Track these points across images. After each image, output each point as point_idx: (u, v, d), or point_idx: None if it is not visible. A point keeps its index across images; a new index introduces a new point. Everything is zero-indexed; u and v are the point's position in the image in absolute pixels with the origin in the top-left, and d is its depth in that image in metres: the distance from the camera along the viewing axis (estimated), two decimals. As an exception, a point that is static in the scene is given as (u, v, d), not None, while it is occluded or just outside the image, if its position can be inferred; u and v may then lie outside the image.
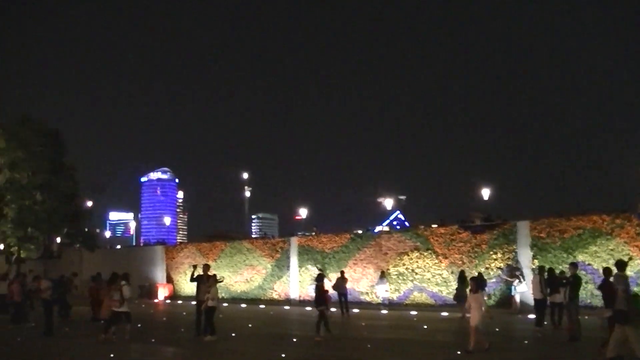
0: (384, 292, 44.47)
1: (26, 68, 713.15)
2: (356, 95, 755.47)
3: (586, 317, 26.01)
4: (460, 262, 41.75)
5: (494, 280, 40.00)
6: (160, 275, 61.05)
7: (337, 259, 48.54)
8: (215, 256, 56.58)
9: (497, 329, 27.65)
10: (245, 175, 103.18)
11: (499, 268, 40.01)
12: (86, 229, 73.30)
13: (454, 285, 39.67)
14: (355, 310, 40.29)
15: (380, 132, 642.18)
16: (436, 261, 43.28)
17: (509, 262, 39.65)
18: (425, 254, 43.97)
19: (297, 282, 51.29)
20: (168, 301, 56.47)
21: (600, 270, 34.41)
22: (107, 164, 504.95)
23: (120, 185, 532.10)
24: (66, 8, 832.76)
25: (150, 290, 59.47)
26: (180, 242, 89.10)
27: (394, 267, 45.41)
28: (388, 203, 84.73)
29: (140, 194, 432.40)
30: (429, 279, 43.25)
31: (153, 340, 25.39)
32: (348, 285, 41.95)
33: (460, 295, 36.89)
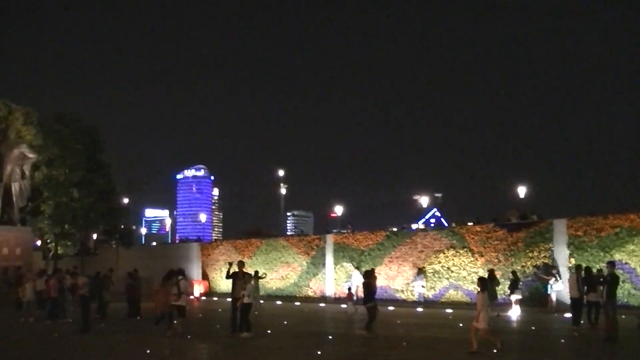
0: (420, 288, 44.43)
1: (63, 66, 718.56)
2: (393, 93, 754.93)
3: (623, 317, 25.71)
4: (496, 260, 41.53)
5: (530, 278, 39.76)
6: (195, 272, 61.14)
7: (373, 256, 48.44)
8: (250, 253, 56.64)
9: (533, 328, 27.48)
10: (281, 173, 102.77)
11: (535, 266, 39.73)
12: (122, 226, 73.69)
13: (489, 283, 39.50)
14: (391, 308, 40.23)
15: (416, 130, 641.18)
16: (472, 259, 43.08)
17: (546, 261, 39.37)
18: (461, 252, 43.79)
19: (333, 280, 51.25)
20: (203, 298, 56.53)
21: (638, 269, 34.25)
22: (143, 161, 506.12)
23: (156, 182, 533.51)
24: (101, 7, 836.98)
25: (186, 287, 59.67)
26: (216, 239, 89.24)
27: (429, 265, 45.25)
28: (424, 201, 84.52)
29: (175, 191, 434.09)
30: (464, 277, 43.05)
31: (189, 336, 25.44)
32: (384, 283, 42.03)
33: (490, 294, 36.89)
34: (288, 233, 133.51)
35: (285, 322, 32.53)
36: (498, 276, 38.90)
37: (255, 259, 55.41)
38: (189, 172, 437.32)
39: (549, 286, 37.11)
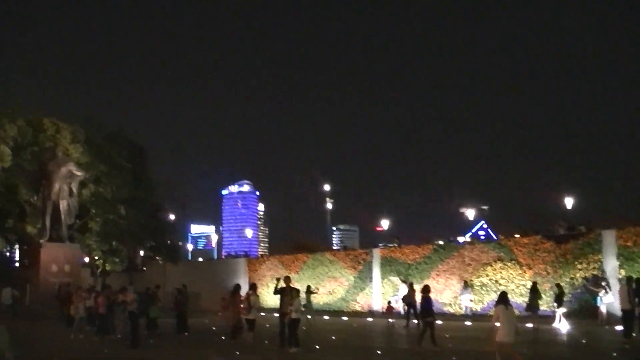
0: (468, 301, 44.23)
1: (109, 83, 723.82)
2: (436, 105, 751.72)
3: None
4: (544, 273, 41.20)
5: (579, 290, 39.37)
6: (243, 287, 61.25)
7: (420, 270, 48.28)
8: (297, 268, 56.68)
9: (583, 341, 27.25)
10: (327, 187, 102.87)
11: (584, 278, 39.29)
12: (169, 242, 74.04)
13: (543, 296, 39.15)
14: (439, 322, 40.01)
15: (462, 142, 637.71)
16: (520, 271, 42.76)
17: (595, 272, 38.96)
18: (509, 264, 43.48)
19: (380, 294, 51.11)
20: (251, 313, 56.56)
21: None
22: (189, 177, 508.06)
23: (202, 198, 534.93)
24: (144, 26, 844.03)
25: (233, 302, 59.78)
26: (262, 255, 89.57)
27: (477, 278, 45.01)
28: (470, 213, 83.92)
29: (221, 206, 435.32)
30: (513, 290, 42.64)
31: (237, 352, 25.46)
32: (431, 297, 41.74)
33: (532, 306, 36.66)
34: (334, 247, 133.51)
35: (333, 337, 32.49)
36: (547, 288, 38.67)
37: (302, 274, 55.43)
38: (234, 188, 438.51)
39: (599, 298, 36.67)
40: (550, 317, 36.82)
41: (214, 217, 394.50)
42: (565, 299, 37.15)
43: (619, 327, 30.62)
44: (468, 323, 40.16)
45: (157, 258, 76.55)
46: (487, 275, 44.50)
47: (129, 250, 70.41)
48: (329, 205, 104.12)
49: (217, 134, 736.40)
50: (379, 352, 25.84)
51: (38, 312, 45.47)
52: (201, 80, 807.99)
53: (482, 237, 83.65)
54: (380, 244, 60.44)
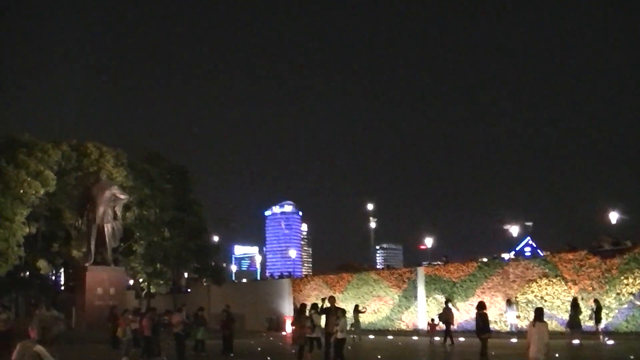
0: (514, 318, 43.98)
1: (151, 106, 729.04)
2: (480, 123, 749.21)
3: None
4: (590, 288, 40.84)
5: (626, 306, 38.96)
6: (287, 308, 61.29)
7: (465, 288, 48.10)
8: (342, 288, 56.65)
9: (632, 357, 26.95)
10: (370, 206, 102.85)
11: (631, 294, 38.93)
12: (213, 263, 74.17)
13: (585, 311, 38.76)
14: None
15: (505, 158, 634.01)
16: (565, 287, 42.43)
17: (642, 287, 38.60)
18: (554, 280, 43.18)
19: (425, 312, 50.90)
20: (296, 333, 56.51)
21: None
22: (232, 198, 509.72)
23: (245, 219, 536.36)
24: (183, 49, 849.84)
25: (278, 323, 59.75)
26: (306, 275, 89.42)
27: (522, 294, 44.74)
28: (514, 230, 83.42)
29: (264, 227, 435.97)
30: (558, 306, 42.35)
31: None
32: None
33: (574, 323, 36.34)
34: (377, 266, 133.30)
35: (379, 357, 32.38)
36: (592, 304, 38.33)
37: (346, 294, 55.39)
38: (277, 209, 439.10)
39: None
40: (593, 333, 36.52)
41: (257, 238, 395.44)
42: (612, 314, 36.84)
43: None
44: (514, 340, 39.87)
45: (202, 280, 76.74)
46: (533, 292, 44.20)
47: (173, 272, 70.65)
48: (373, 224, 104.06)
49: (260, 155, 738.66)
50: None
51: (84, 335, 45.73)
52: (243, 103, 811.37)
53: (528, 254, 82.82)
54: (425, 262, 60.26)
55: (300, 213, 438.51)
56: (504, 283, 46.08)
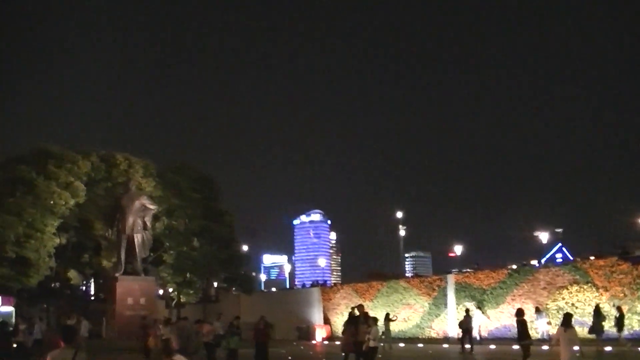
0: (544, 325, 43.79)
1: (179, 116, 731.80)
2: (509, 130, 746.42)
3: None
4: (621, 295, 40.59)
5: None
6: (317, 316, 61.31)
7: (495, 295, 47.92)
8: (371, 296, 56.59)
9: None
10: (400, 214, 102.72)
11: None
12: (243, 273, 74.35)
13: (610, 318, 38.56)
14: (515, 347, 39.61)
15: (536, 165, 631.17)
16: (596, 294, 42.15)
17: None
18: (585, 287, 42.93)
19: (455, 320, 50.69)
20: (326, 342, 56.53)
21: None
22: (261, 208, 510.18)
23: (274, 228, 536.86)
24: (211, 61, 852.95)
25: (308, 332, 59.73)
26: (336, 283, 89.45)
27: (552, 301, 44.52)
28: (543, 237, 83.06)
29: (293, 236, 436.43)
30: (589, 313, 42.03)
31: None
32: (507, 322, 41.68)
33: (596, 329, 36.18)
34: (407, 274, 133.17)
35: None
36: (624, 310, 38.08)
37: (376, 302, 55.32)
38: (306, 218, 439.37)
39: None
40: (615, 340, 36.37)
41: (286, 247, 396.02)
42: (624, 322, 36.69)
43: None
44: (545, 347, 39.69)
45: (231, 289, 76.90)
46: (563, 299, 43.97)
47: (202, 281, 70.86)
48: (402, 232, 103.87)
49: (288, 165, 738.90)
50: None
51: (115, 345, 45.89)
52: (272, 113, 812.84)
53: (560, 260, 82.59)
54: (454, 270, 60.15)
55: (329, 222, 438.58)
56: (534, 290, 45.88)
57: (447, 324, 51.56)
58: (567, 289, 43.88)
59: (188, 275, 67.40)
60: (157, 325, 37.14)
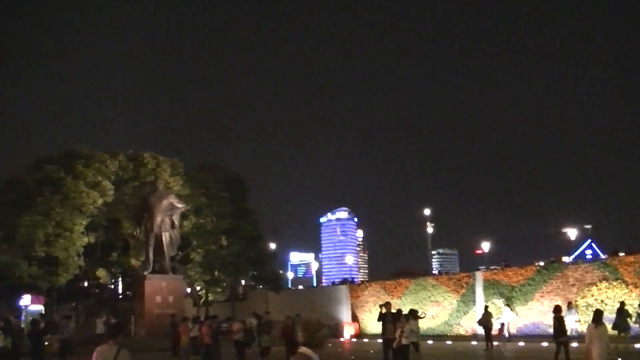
0: (573, 322, 43.51)
1: (206, 116, 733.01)
2: (536, 125, 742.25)
3: None
4: (652, 291, 40.32)
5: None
6: (345, 314, 61.25)
7: (524, 292, 47.66)
8: (399, 293, 56.47)
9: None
10: (427, 211, 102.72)
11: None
12: (270, 271, 74.52)
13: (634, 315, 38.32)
14: (544, 344, 39.47)
15: (564, 161, 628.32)
16: (626, 291, 41.85)
17: None
18: (615, 283, 42.63)
19: (483, 317, 50.63)
20: (354, 340, 56.49)
21: None
22: (287, 206, 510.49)
23: (301, 226, 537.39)
24: (242, 59, 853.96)
25: (336, 329, 59.68)
26: (363, 281, 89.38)
27: (582, 298, 44.21)
28: (572, 233, 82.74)
29: (319, 234, 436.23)
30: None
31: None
32: (536, 319, 41.53)
33: (617, 325, 35.96)
34: (434, 272, 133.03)
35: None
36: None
37: (404, 299, 55.16)
38: (333, 215, 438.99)
39: None
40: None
41: (313, 244, 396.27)
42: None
43: None
44: (574, 344, 39.47)
45: (259, 287, 77.05)
46: (593, 296, 43.65)
47: (231, 280, 71.02)
48: (430, 230, 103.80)
49: (314, 162, 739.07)
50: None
51: (144, 343, 46.07)
52: (298, 111, 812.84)
53: (590, 257, 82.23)
54: (482, 267, 59.97)
55: (356, 219, 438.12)
56: (563, 287, 45.61)
57: (475, 321, 51.38)
58: (597, 286, 43.57)
59: (216, 273, 67.59)
60: (185, 324, 37.30)
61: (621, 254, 46.07)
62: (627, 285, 41.86)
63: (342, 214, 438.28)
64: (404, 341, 25.09)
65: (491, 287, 50.32)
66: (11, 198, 58.32)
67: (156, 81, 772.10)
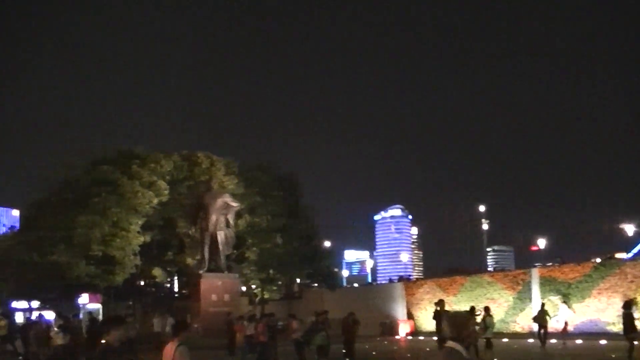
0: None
1: (259, 114, 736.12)
2: (590, 118, 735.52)
3: None
4: None
5: None
6: (400, 311, 61.08)
7: (581, 289, 47.19)
8: (455, 291, 56.21)
9: None
10: (482, 208, 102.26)
11: None
12: (326, 269, 74.60)
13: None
14: (603, 342, 39.13)
15: (619, 156, 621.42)
16: (685, 287, 41.37)
17: None
18: (675, 280, 42.14)
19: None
20: (409, 337, 56.35)
21: None
22: (342, 204, 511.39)
23: (355, 224, 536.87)
24: (295, 63, 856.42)
25: (391, 327, 59.54)
26: (418, 278, 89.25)
27: (640, 295, 43.74)
28: (629, 229, 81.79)
29: (374, 232, 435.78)
30: (679, 308, 41.34)
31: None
32: (594, 316, 41.14)
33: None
34: (489, 269, 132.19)
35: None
36: None
37: (460, 297, 54.93)
38: (387, 213, 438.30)
39: None
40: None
41: (367, 242, 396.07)
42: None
43: None
44: (635, 343, 39.04)
45: (314, 285, 77.14)
46: (652, 292, 43.19)
47: (285, 278, 71.23)
48: (485, 227, 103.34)
49: (368, 160, 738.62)
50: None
51: (200, 341, 46.33)
52: (352, 110, 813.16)
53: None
54: (537, 264, 59.53)
55: (410, 216, 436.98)
56: (621, 284, 45.11)
57: (532, 319, 51.02)
58: (656, 283, 43.11)
59: (271, 271, 67.85)
60: (241, 322, 37.46)
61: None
62: (686, 281, 41.35)
63: (396, 211, 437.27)
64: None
65: (547, 284, 49.92)
66: (68, 199, 58.93)
67: (210, 82, 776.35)
